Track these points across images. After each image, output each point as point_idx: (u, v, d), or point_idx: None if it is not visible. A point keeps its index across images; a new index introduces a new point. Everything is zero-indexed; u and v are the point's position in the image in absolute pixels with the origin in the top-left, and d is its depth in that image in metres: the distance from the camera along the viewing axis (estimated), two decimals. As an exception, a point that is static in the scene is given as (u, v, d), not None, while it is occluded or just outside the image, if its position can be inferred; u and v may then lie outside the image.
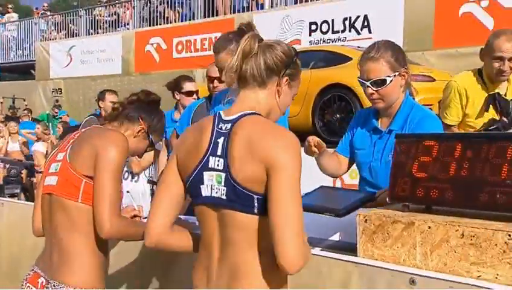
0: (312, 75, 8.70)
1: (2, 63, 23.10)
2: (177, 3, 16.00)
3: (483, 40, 3.66)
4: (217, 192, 1.70)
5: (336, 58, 9.10)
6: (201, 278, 1.79)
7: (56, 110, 15.64)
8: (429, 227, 1.80)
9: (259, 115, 1.77)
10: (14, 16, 24.79)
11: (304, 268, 2.02)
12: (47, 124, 13.52)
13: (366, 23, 11.93)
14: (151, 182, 5.07)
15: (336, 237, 2.37)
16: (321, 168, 2.85)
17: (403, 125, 2.57)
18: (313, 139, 2.71)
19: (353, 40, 11.70)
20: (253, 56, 1.77)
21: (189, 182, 1.77)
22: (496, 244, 1.66)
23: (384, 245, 1.91)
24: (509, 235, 1.64)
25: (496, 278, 1.66)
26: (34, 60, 20.25)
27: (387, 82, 2.53)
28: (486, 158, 1.78)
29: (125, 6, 18.14)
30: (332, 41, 12.17)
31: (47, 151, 10.12)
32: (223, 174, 1.69)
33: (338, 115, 8.59)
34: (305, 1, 13.27)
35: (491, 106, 3.58)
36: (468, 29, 10.21)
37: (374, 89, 2.55)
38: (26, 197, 5.52)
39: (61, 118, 14.66)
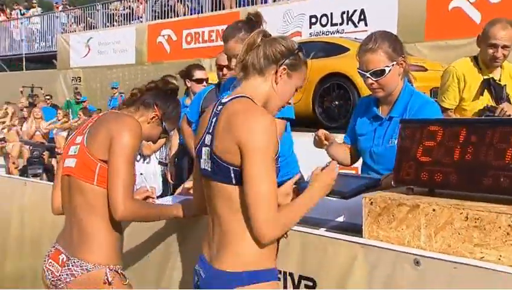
0: (312, 65, 8.54)
1: (27, 54, 22.96)
2: (186, -2, 15.83)
3: (471, 33, 3.64)
4: (206, 165, 1.78)
5: (334, 49, 8.97)
6: (204, 246, 1.87)
7: (78, 96, 15.60)
8: (434, 210, 1.70)
9: (249, 98, 1.79)
10: (38, 10, 24.60)
11: (312, 249, 1.95)
12: (67, 110, 13.47)
13: (363, 17, 11.76)
14: (162, 164, 4.98)
15: (340, 219, 2.27)
16: (332, 159, 2.75)
17: (403, 112, 2.46)
18: (322, 133, 2.62)
19: (350, 32, 11.56)
20: (255, 48, 1.82)
21: (196, 157, 1.87)
22: (499, 227, 1.56)
23: (389, 227, 1.81)
24: (514, 219, 1.54)
25: (499, 259, 1.57)
26: (56, 51, 20.10)
27: (386, 72, 2.41)
28: (490, 143, 1.68)
29: (138, 0, 17.94)
30: (331, 34, 12.01)
31: (67, 134, 10.04)
32: (209, 149, 1.77)
33: (337, 102, 8.44)
34: (306, -4, 13.09)
35: (486, 90, 3.49)
36: (457, 23, 10.06)
37: (374, 79, 2.44)
38: (47, 177, 5.43)
39: (83, 102, 14.63)
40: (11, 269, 3.44)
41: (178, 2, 16.00)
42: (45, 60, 22.33)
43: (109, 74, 16.92)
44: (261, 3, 14.00)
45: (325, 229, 2.26)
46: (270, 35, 1.88)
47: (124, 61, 17.07)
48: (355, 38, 9.76)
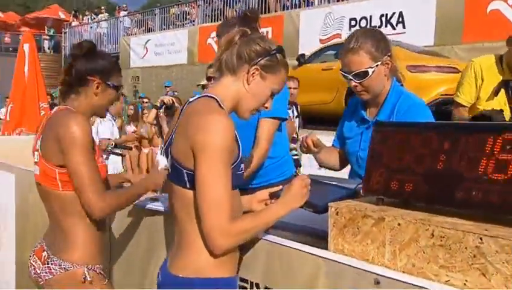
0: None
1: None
2: (235, 2, 15.69)
3: (509, 35, 3.17)
4: (168, 165, 1.67)
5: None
6: (169, 248, 1.83)
7: (139, 95, 15.84)
8: (399, 224, 1.42)
9: (213, 98, 1.59)
10: (105, 15, 25.19)
11: (276, 259, 1.71)
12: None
13: (401, 19, 11.26)
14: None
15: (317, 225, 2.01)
16: (322, 165, 2.49)
17: (390, 115, 2.14)
18: (310, 140, 2.32)
19: (389, 34, 10.98)
20: (231, 46, 1.65)
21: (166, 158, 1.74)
22: (465, 248, 1.27)
23: (354, 240, 1.54)
24: (481, 239, 1.24)
25: (465, 284, 1.28)
26: (119, 53, 20.49)
27: (370, 73, 2.09)
28: (463, 151, 1.38)
29: (191, 5, 17.99)
30: (370, 36, 11.56)
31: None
32: (169, 149, 1.64)
33: (369, 103, 8.07)
34: (346, -1, 12.70)
35: (503, 90, 3.08)
36: (495, 25, 9.43)
37: (357, 81, 2.12)
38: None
39: (140, 97, 14.76)
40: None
41: (227, 6, 15.91)
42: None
43: (164, 73, 17.06)
44: (305, 6, 13.67)
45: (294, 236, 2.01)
46: (250, 34, 1.67)
47: (177, 62, 17.18)
48: (392, 41, 9.32)
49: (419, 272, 1.37)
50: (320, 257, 1.56)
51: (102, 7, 27.38)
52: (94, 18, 25.38)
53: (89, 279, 1.96)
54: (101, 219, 2.00)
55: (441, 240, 1.32)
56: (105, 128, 6.51)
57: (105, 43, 23.02)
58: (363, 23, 11.93)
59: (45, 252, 2.02)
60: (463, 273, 1.28)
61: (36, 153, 2.01)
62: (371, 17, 11.74)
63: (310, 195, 1.71)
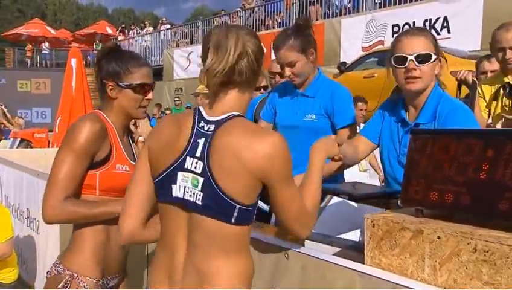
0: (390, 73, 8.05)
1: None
2: (275, 12, 15.69)
3: None
4: (191, 195, 1.37)
5: (411, 57, 8.36)
6: (162, 280, 1.44)
7: (177, 104, 16.03)
8: (439, 237, 1.34)
9: (243, 117, 1.43)
10: (150, 29, 25.75)
11: (312, 272, 1.65)
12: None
13: (446, 24, 10.94)
14: None
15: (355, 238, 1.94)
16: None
17: (431, 120, 2.03)
18: (338, 156, 2.06)
19: (433, 40, 10.79)
20: (245, 55, 1.42)
21: (159, 179, 1.43)
22: (512, 264, 1.18)
23: (391, 253, 1.47)
24: (529, 255, 1.15)
25: (512, 303, 1.18)
26: (163, 65, 20.86)
27: (432, 59, 2.01)
28: (508, 159, 1.29)
29: (233, 16, 18.11)
30: (414, 42, 11.29)
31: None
32: (201, 179, 1.36)
33: (413, 110, 7.86)
34: (389, 5, 12.43)
35: (501, 91, 3.18)
36: (545, 27, 9.00)
37: (417, 64, 2.00)
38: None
39: (187, 107, 14.96)
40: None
41: (268, 17, 15.93)
42: (155, 73, 23.25)
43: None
44: (345, 14, 13.52)
45: (338, 249, 1.95)
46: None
47: (219, 73, 17.21)
48: (436, 46, 9.08)
49: (461, 289, 1.28)
50: (356, 270, 1.49)
51: (147, 21, 27.99)
52: (139, 32, 25.98)
53: (66, 286, 1.83)
54: (48, 223, 1.85)
55: (485, 255, 1.23)
56: None
57: (149, 56, 23.53)
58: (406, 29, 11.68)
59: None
60: (509, 291, 1.18)
61: None
62: (414, 22, 11.43)
63: (351, 189, 1.68)
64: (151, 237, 1.53)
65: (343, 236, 2.02)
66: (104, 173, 1.87)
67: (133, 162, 1.93)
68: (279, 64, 2.83)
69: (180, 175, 1.38)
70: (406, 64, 2.01)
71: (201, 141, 1.38)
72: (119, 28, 28.42)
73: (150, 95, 1.98)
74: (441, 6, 10.97)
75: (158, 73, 22.15)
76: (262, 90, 4.57)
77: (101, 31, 28.90)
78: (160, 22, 25.99)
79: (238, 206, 1.34)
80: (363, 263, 1.54)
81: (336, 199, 2.27)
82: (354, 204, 2.20)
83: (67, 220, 1.84)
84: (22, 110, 19.29)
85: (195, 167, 1.37)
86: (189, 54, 18.87)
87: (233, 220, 1.35)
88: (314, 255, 1.64)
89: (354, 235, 2.05)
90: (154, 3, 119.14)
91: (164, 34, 22.58)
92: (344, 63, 9.66)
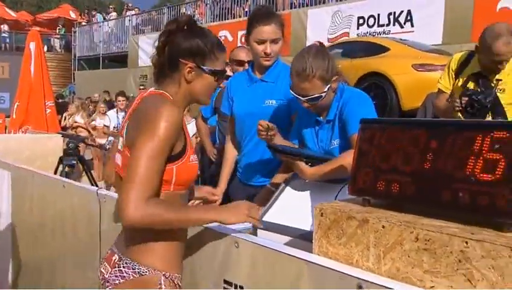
0: (353, 64, 8.14)
1: (104, 54, 23.61)
2: (242, 1, 15.63)
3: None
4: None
5: (375, 49, 8.48)
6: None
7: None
8: (383, 226, 1.35)
9: None
10: (114, 14, 25.26)
11: (261, 261, 1.65)
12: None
13: (409, 18, 11.13)
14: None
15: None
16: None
17: (336, 111, 2.26)
18: (264, 123, 2.33)
19: (397, 33, 11.00)
20: None
21: None
22: (451, 252, 1.20)
23: (338, 243, 1.47)
24: (466, 243, 1.17)
25: (450, 291, 1.21)
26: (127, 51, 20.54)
27: (323, 96, 2.19)
28: (451, 150, 1.31)
29: (199, 5, 17.94)
30: (378, 34, 11.46)
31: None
32: None
33: (375, 102, 7.95)
34: (354, -3, 12.59)
35: (471, 82, 3.20)
36: (505, 23, 9.26)
37: (311, 103, 2.23)
38: (84, 169, 5.35)
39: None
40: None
41: (236, 4, 15.84)
42: (119, 60, 22.89)
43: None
44: (311, 5, 13.57)
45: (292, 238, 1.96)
46: None
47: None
48: (400, 39, 9.22)
49: (403, 277, 1.30)
50: (303, 259, 1.49)
51: (112, 6, 27.43)
52: (104, 17, 25.46)
53: (163, 288, 1.64)
54: (127, 226, 1.59)
55: (426, 244, 1.25)
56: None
57: (114, 42, 23.11)
58: (371, 21, 11.83)
59: (116, 255, 1.72)
60: (448, 279, 1.21)
61: (121, 140, 1.71)
62: (378, 15, 11.64)
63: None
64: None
65: (296, 225, 2.02)
66: (181, 166, 1.64)
67: None
68: (261, 39, 2.71)
69: None
70: (301, 102, 2.27)
71: None
72: (84, 12, 27.77)
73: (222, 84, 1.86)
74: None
75: (123, 60, 21.82)
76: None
77: (64, 15, 28.21)
78: (126, 7, 25.51)
79: None
80: (312, 253, 1.55)
81: (289, 189, 2.28)
82: (308, 193, 2.21)
83: (151, 223, 1.54)
84: (-21, 95, 18.68)
85: None
86: (155, 41, 18.53)
87: None
88: (263, 244, 1.64)
89: (306, 224, 2.06)
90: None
91: (129, 20, 22.18)
92: (309, 54, 9.71)
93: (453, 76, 3.33)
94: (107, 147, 5.58)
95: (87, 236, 2.64)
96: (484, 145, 1.24)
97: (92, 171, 5.63)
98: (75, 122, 11.62)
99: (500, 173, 1.20)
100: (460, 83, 3.28)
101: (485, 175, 1.22)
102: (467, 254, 1.17)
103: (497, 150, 1.22)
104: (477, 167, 1.24)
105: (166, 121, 1.53)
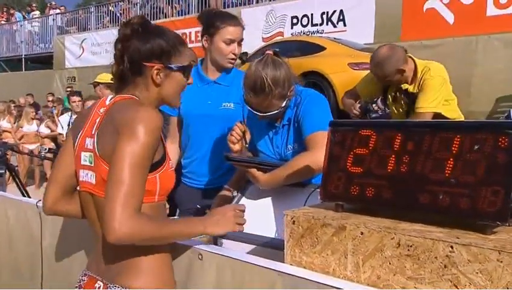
0: (289, 64, 8.17)
1: (26, 55, 22.48)
2: (174, 1, 15.37)
3: (445, 33, 3.45)
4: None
5: (311, 48, 8.57)
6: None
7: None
8: (362, 233, 1.31)
9: None
10: (37, 13, 24.09)
11: (228, 273, 1.56)
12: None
13: (342, 17, 11.37)
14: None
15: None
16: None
17: (291, 114, 2.21)
18: (242, 125, 2.26)
19: (330, 32, 11.20)
20: None
21: None
22: (435, 257, 1.17)
23: (313, 251, 1.42)
24: (451, 248, 1.15)
25: (436, 298, 1.18)
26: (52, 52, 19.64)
27: (279, 111, 2.16)
28: (428, 152, 1.29)
29: (130, 2, 17.47)
30: (312, 34, 11.62)
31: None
32: None
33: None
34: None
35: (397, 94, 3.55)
36: (431, 24, 9.67)
37: (267, 117, 2.18)
38: (12, 177, 5.00)
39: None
40: None
41: (167, 4, 15.55)
42: (44, 61, 21.87)
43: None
44: (245, 4, 13.57)
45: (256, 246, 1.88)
46: None
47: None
48: (334, 38, 9.39)
49: (385, 285, 1.26)
50: (275, 270, 1.42)
51: (34, 5, 26.14)
52: (25, 17, 24.21)
53: None
54: (114, 243, 1.37)
55: (408, 250, 1.22)
56: None
57: (37, 42, 22.05)
58: (305, 21, 11.97)
59: (99, 282, 1.55)
60: (433, 285, 1.18)
61: (88, 154, 1.52)
62: (312, 15, 11.80)
63: None
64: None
65: (258, 233, 1.95)
66: (163, 174, 1.51)
67: None
68: (231, 39, 2.67)
69: None
70: (258, 117, 2.19)
71: None
72: (2, 10, 26.26)
73: (190, 79, 1.67)
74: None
75: (47, 61, 20.84)
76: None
77: (-21, 12, 26.52)
78: (49, 5, 24.37)
79: None
80: (282, 262, 1.48)
81: (246, 197, 2.21)
82: (268, 199, 2.15)
83: (141, 240, 1.41)
84: None
85: None
86: (83, 41, 17.95)
87: None
88: (228, 255, 1.56)
89: (269, 231, 1.99)
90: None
91: (53, 19, 21.21)
92: (246, 53, 9.67)
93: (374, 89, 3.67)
94: (43, 154, 5.21)
95: (25, 254, 2.44)
96: (464, 146, 1.22)
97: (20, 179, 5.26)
98: (0, 127, 10.95)
99: (481, 173, 1.18)
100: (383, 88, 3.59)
101: (466, 177, 1.21)
102: (453, 259, 1.14)
103: (477, 150, 1.20)
104: (457, 168, 1.22)
105: (149, 125, 1.40)
